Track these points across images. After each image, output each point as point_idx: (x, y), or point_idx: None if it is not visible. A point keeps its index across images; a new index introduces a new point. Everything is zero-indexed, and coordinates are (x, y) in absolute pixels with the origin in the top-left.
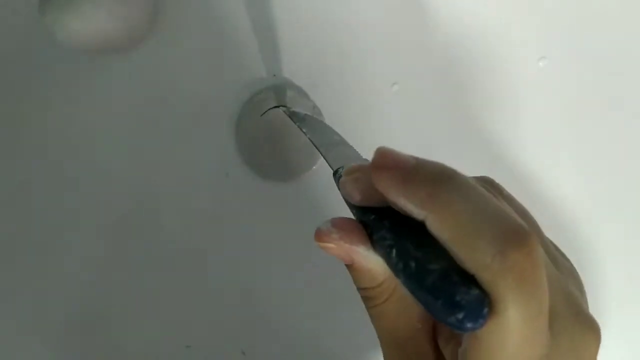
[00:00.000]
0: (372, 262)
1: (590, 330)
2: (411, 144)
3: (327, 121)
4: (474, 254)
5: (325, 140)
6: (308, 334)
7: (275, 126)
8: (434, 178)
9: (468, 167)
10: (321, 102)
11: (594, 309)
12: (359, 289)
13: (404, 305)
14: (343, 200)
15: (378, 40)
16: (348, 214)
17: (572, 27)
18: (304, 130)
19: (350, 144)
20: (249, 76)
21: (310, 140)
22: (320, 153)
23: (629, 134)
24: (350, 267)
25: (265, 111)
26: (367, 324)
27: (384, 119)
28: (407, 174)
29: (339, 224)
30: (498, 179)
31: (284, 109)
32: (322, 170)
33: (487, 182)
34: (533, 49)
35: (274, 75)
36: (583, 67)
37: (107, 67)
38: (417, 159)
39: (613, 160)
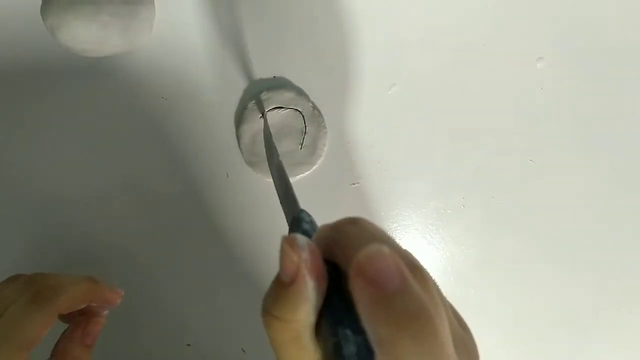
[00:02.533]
0: (309, 300)
1: None
2: (410, 145)
3: (327, 121)
4: None
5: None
6: None
7: (276, 127)
8: (404, 319)
9: (467, 167)
10: (320, 103)
11: None
12: (272, 313)
13: (300, 351)
14: (343, 203)
15: (377, 41)
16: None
17: (569, 27)
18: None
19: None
20: (249, 77)
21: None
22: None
23: (628, 133)
24: (283, 285)
25: (266, 112)
26: None
27: (383, 119)
28: (383, 299)
29: (314, 256)
30: (497, 178)
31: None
32: (321, 170)
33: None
34: (531, 50)
35: (274, 77)
36: (581, 67)
37: (108, 70)
38: (406, 283)
39: (612, 158)
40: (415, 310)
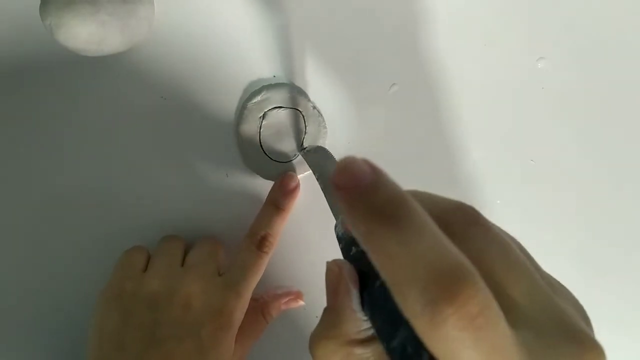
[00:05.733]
0: (354, 311)
1: (588, 350)
2: (410, 145)
3: (327, 121)
4: (405, 303)
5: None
6: (309, 333)
7: (275, 126)
8: (379, 209)
9: (467, 168)
10: (321, 103)
11: None
12: (321, 335)
13: None
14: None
15: (377, 41)
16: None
17: (570, 27)
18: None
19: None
20: (249, 76)
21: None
22: (325, 197)
23: (628, 133)
24: (328, 307)
25: (265, 112)
26: None
27: (383, 119)
28: (358, 197)
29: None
30: (497, 178)
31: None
32: None
33: (460, 210)
34: (532, 50)
35: (274, 76)
36: (582, 67)
37: (107, 69)
38: (378, 175)
39: (613, 159)
40: (387, 197)
